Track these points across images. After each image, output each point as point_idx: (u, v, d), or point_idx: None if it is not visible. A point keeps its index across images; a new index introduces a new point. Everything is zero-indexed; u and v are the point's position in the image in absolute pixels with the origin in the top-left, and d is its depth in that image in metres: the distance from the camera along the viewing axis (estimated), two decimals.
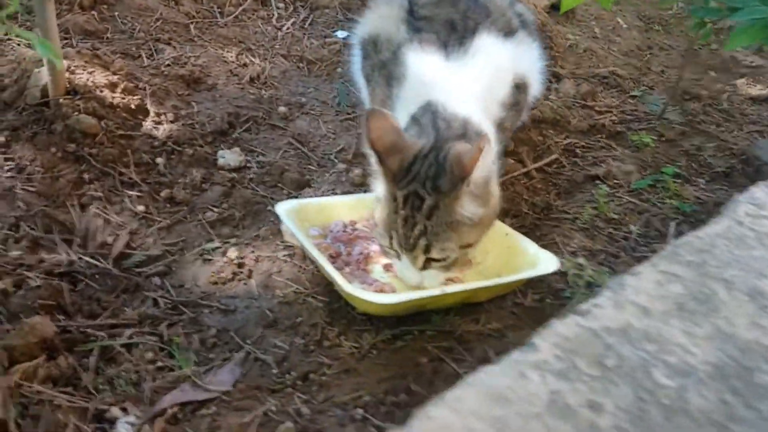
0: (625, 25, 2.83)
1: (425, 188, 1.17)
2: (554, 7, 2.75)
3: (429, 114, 1.29)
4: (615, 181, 1.71)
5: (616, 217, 1.56)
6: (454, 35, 1.42)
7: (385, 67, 1.48)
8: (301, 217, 1.40)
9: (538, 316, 1.25)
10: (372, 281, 1.27)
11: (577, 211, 1.59)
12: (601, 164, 1.79)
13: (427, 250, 1.18)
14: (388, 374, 1.13)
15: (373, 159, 1.21)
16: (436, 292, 1.15)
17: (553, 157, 1.83)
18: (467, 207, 1.16)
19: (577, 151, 1.88)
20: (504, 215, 1.60)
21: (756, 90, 2.42)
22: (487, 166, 1.14)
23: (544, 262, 1.26)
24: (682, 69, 2.00)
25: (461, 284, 1.21)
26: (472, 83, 1.36)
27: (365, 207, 1.49)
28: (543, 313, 1.26)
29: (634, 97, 2.18)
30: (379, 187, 1.25)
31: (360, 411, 1.05)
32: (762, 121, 2.11)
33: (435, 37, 1.42)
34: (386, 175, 1.19)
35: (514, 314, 1.26)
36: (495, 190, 1.26)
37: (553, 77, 2.18)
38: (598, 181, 1.72)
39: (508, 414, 0.61)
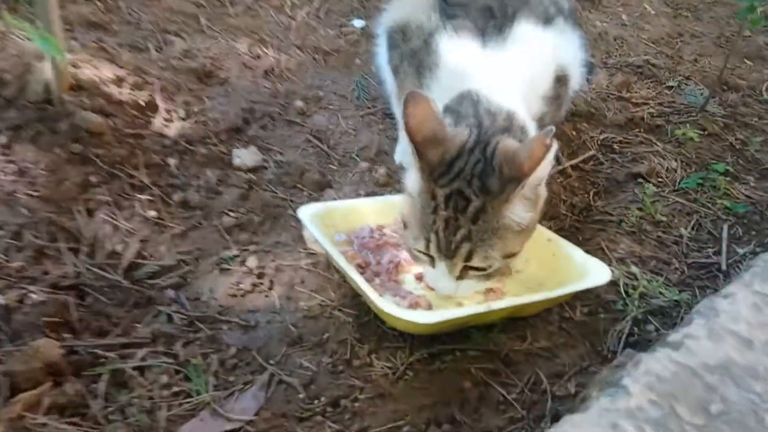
0: (653, 12, 2.70)
1: (471, 188, 1.05)
2: None
3: (469, 103, 1.17)
4: (659, 179, 1.60)
5: (664, 219, 1.45)
6: (491, 22, 1.31)
7: (416, 56, 1.36)
8: (326, 222, 1.30)
9: (590, 331, 1.14)
10: (405, 294, 1.16)
11: (622, 213, 1.47)
12: (642, 161, 1.67)
13: (468, 257, 1.06)
14: (429, 401, 1.02)
15: (410, 149, 1.08)
16: (481, 308, 1.04)
17: (590, 153, 1.72)
18: (518, 211, 1.04)
19: (615, 146, 1.76)
20: (542, 217, 1.49)
21: None
22: (547, 168, 1.02)
23: (594, 272, 1.15)
24: (726, 59, 1.87)
25: (508, 299, 1.09)
26: (513, 74, 1.24)
27: (393, 210, 1.37)
28: (595, 328, 1.15)
29: (670, 87, 2.06)
30: (412, 180, 1.12)
31: None
32: None
33: (471, 24, 1.31)
34: (424, 170, 1.07)
35: (563, 330, 1.14)
36: (543, 191, 1.14)
37: (589, 67, 2.06)
38: (640, 180, 1.60)
39: None
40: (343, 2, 2.30)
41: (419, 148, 1.06)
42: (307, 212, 1.27)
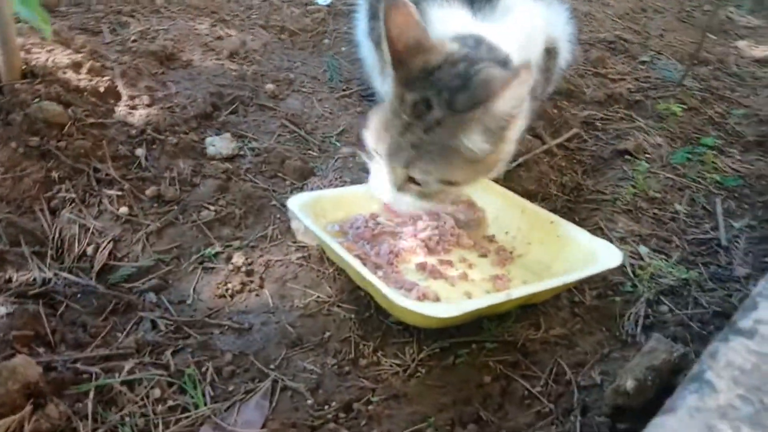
0: None
1: (439, 99, 1.03)
2: None
3: (473, 38, 1.13)
4: (646, 155, 1.57)
5: (658, 195, 1.42)
6: None
7: None
8: (317, 212, 1.21)
9: (604, 316, 1.10)
10: (411, 285, 1.09)
11: (614, 191, 1.44)
12: (627, 137, 1.65)
13: (408, 165, 1.05)
14: (448, 399, 0.95)
15: (389, 58, 1.05)
16: (501, 297, 0.98)
17: (573, 131, 1.68)
18: (474, 138, 1.02)
19: (597, 123, 1.73)
20: (533, 198, 1.44)
21: (759, 52, 2.32)
22: (516, 100, 0.99)
23: (604, 254, 1.11)
24: (702, 35, 1.87)
25: (527, 286, 1.03)
26: (506, 40, 1.19)
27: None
28: (608, 312, 1.11)
29: (643, 62, 2.04)
30: (387, 89, 1.11)
31: None
32: None
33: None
34: (401, 79, 1.05)
35: (576, 315, 1.10)
36: (511, 139, 1.10)
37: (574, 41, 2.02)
38: (627, 156, 1.57)
39: None
40: None
41: (401, 57, 1.04)
42: (296, 203, 1.18)
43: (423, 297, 1.07)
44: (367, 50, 1.49)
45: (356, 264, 1.03)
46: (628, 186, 1.44)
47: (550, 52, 1.37)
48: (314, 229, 1.11)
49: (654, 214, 1.37)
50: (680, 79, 1.86)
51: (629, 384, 0.84)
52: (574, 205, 1.44)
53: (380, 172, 1.12)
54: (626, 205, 1.39)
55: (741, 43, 2.39)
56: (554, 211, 1.41)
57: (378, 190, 1.14)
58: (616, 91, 1.83)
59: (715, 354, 0.57)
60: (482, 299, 1.01)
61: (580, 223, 1.34)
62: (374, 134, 1.09)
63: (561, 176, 1.54)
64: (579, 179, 1.54)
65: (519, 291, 1.00)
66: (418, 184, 1.08)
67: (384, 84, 1.15)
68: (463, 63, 1.06)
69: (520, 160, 1.55)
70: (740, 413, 0.52)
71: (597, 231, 1.31)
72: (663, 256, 1.24)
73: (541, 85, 1.37)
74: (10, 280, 1.08)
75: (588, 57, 1.96)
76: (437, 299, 1.08)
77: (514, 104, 1.00)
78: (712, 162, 1.53)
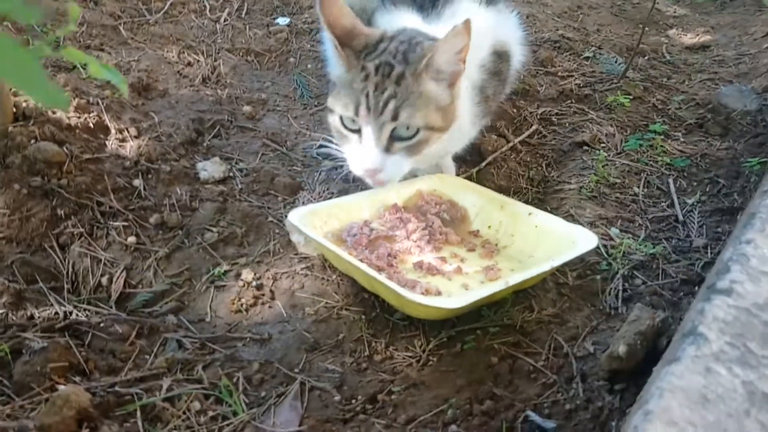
0: None
1: (396, 59, 1.23)
2: None
3: (412, 29, 1.33)
4: (602, 144, 1.72)
5: (617, 181, 1.56)
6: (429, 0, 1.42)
7: None
8: (314, 224, 1.30)
9: (587, 293, 1.23)
10: (414, 283, 1.19)
11: (578, 180, 1.58)
12: (582, 130, 1.79)
13: (395, 116, 1.22)
14: (463, 381, 1.06)
15: (333, 44, 1.26)
16: (500, 284, 1.09)
17: (533, 128, 1.82)
18: (432, 86, 1.24)
19: (553, 119, 1.87)
20: (506, 192, 1.57)
21: (687, 39, 2.52)
22: (450, 53, 1.21)
23: (582, 239, 1.23)
24: (642, 29, 2.04)
25: (523, 272, 1.15)
26: None
27: (374, 204, 1.40)
28: (591, 290, 1.23)
29: (587, 58, 2.20)
30: (337, 70, 1.30)
31: (453, 428, 0.98)
32: (707, 69, 2.20)
33: (410, 1, 1.43)
34: (351, 54, 1.25)
35: (563, 296, 1.22)
36: (462, 96, 1.32)
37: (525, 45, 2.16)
38: (585, 147, 1.72)
39: (720, 417, 0.57)
40: (263, 1, 2.27)
41: (341, 41, 1.25)
42: (296, 217, 1.26)
43: (426, 292, 1.17)
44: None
45: (366, 268, 1.13)
46: (590, 174, 1.58)
47: (502, 56, 1.50)
48: (321, 240, 1.20)
49: (616, 198, 1.52)
50: (623, 72, 2.02)
51: (621, 349, 0.96)
52: (544, 197, 1.57)
53: (357, 147, 1.27)
54: (591, 192, 1.52)
55: (671, 32, 2.60)
56: (527, 203, 1.54)
57: (359, 164, 1.28)
58: (567, 87, 1.98)
59: (703, 311, 0.69)
60: (485, 288, 1.11)
61: (553, 212, 1.47)
62: (348, 106, 1.25)
63: (528, 170, 1.67)
64: (544, 172, 1.67)
65: (515, 278, 1.11)
66: (401, 139, 1.25)
67: (332, 66, 1.34)
68: (403, 35, 1.28)
69: (490, 158, 1.68)
70: (729, 356, 0.64)
71: (569, 218, 1.43)
72: (630, 235, 1.38)
73: (494, 86, 1.48)
74: (32, 317, 1.13)
75: (537, 57, 2.10)
76: (439, 293, 1.18)
77: (449, 57, 1.21)
78: (661, 146, 1.68)
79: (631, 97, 1.92)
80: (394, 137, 1.25)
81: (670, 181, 1.57)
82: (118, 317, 1.16)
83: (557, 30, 2.37)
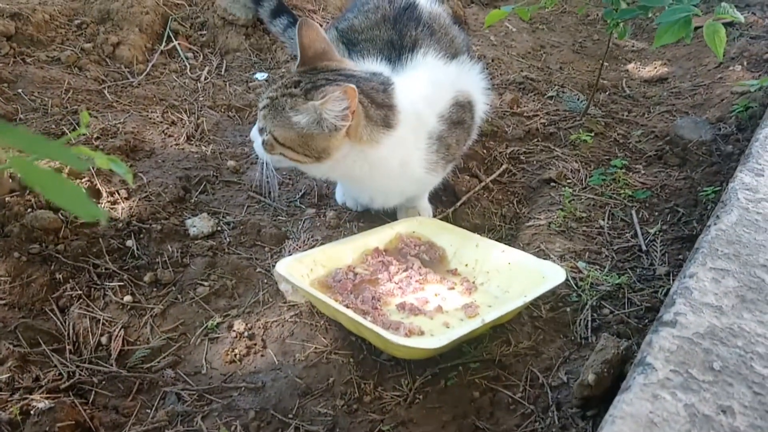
0: (514, 29, 3.01)
1: (305, 84, 1.36)
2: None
3: (380, 74, 1.45)
4: (568, 180, 1.82)
5: (584, 215, 1.67)
6: (393, 52, 1.52)
7: None
8: (300, 272, 1.38)
9: (560, 325, 1.32)
10: (398, 324, 1.27)
11: (547, 216, 1.68)
12: (549, 167, 1.90)
13: (263, 114, 1.38)
14: (448, 416, 1.13)
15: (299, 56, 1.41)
16: (476, 323, 1.18)
17: (503, 167, 1.92)
18: (299, 117, 1.33)
19: (522, 157, 1.98)
20: (480, 230, 1.66)
21: (646, 72, 2.66)
22: (333, 111, 1.29)
23: (551, 274, 1.32)
24: (600, 67, 2.17)
25: (496, 310, 1.23)
26: (409, 89, 1.44)
27: (357, 250, 1.48)
28: (563, 321, 1.32)
29: (551, 97, 2.33)
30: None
31: None
32: (665, 101, 2.34)
33: (377, 53, 1.53)
34: (298, 68, 1.42)
35: (538, 328, 1.31)
36: (330, 146, 1.37)
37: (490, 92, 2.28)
38: (553, 183, 1.82)
39: None
40: (240, 58, 2.37)
41: (306, 60, 1.41)
42: (283, 267, 1.34)
43: (410, 333, 1.25)
44: None
45: (351, 313, 1.20)
46: (558, 210, 1.68)
47: (465, 106, 1.58)
48: (307, 288, 1.28)
49: (583, 231, 1.62)
50: (584, 110, 2.14)
51: (590, 378, 1.05)
52: (516, 232, 1.67)
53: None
54: (559, 227, 1.62)
55: (630, 66, 2.74)
56: (500, 239, 1.63)
57: (253, 134, 1.46)
58: (533, 126, 2.10)
59: (651, 342, 0.77)
60: (463, 327, 1.20)
61: (524, 248, 1.57)
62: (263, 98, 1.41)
63: (500, 208, 1.77)
64: (516, 209, 1.77)
65: (491, 315, 1.20)
66: (264, 135, 1.39)
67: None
68: (338, 73, 1.38)
69: (464, 198, 1.78)
70: (673, 383, 0.72)
71: (540, 252, 1.53)
72: (597, 267, 1.48)
73: (456, 135, 1.56)
74: (38, 379, 1.19)
75: (504, 99, 2.22)
76: (421, 333, 1.26)
77: (331, 113, 1.30)
78: (623, 179, 1.79)
79: (593, 133, 2.04)
80: (262, 129, 1.41)
81: (633, 212, 1.67)
82: (119, 374, 1.22)
83: (522, 71, 2.50)
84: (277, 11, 2.19)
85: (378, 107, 1.37)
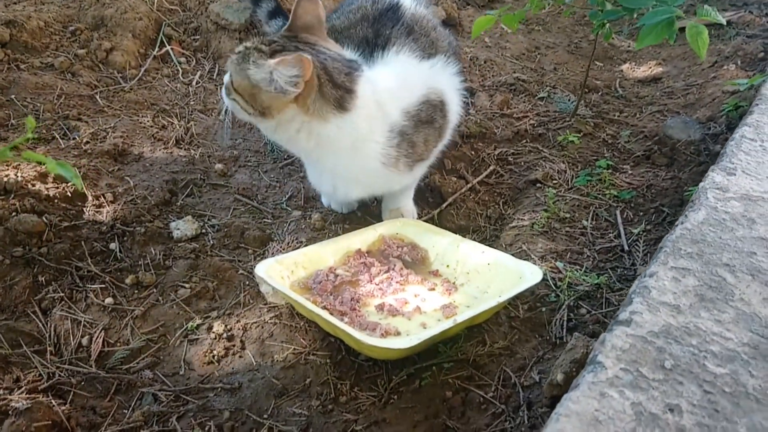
0: (509, 30, 3.00)
1: (275, 43, 1.40)
2: (445, 23, 2.88)
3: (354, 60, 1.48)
4: (553, 181, 1.82)
5: (567, 216, 1.66)
6: (366, 48, 1.53)
7: None
8: (281, 274, 1.39)
9: (536, 324, 1.32)
10: (375, 325, 1.28)
11: (532, 217, 1.68)
12: (536, 168, 1.90)
13: (232, 62, 1.41)
14: (420, 416, 1.14)
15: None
16: (448, 323, 1.18)
17: (491, 168, 1.92)
18: (257, 74, 1.35)
19: (510, 158, 1.98)
20: (465, 231, 1.67)
21: (640, 72, 2.66)
22: (285, 74, 1.32)
23: (529, 274, 1.33)
24: (588, 68, 2.16)
25: (468, 311, 1.24)
26: (374, 80, 1.45)
27: (339, 251, 1.49)
28: (539, 321, 1.32)
29: (542, 98, 2.33)
30: None
31: None
32: (657, 101, 2.33)
33: (351, 49, 1.53)
34: (286, 28, 1.46)
35: (513, 328, 1.31)
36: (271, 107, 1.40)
37: (468, 92, 2.28)
38: (539, 184, 1.82)
39: None
40: None
41: (293, 28, 1.44)
42: (263, 269, 1.35)
43: (386, 333, 1.26)
44: None
45: (326, 315, 1.21)
46: (542, 211, 1.68)
47: (436, 105, 1.56)
48: (284, 290, 1.29)
49: (566, 232, 1.61)
50: (573, 110, 2.14)
51: (559, 377, 1.05)
52: (500, 233, 1.67)
53: None
54: (542, 227, 1.62)
55: (624, 66, 2.74)
56: (484, 240, 1.64)
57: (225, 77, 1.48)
58: (522, 128, 2.10)
59: (603, 341, 0.78)
60: (434, 328, 1.20)
61: (507, 248, 1.57)
62: None
63: (486, 209, 1.77)
64: (501, 210, 1.77)
65: (462, 315, 1.20)
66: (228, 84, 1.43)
67: None
68: (313, 48, 1.42)
69: (450, 200, 1.78)
70: (623, 381, 0.72)
71: (522, 253, 1.53)
72: (578, 267, 1.48)
73: (425, 134, 1.54)
74: (18, 380, 1.21)
75: (494, 101, 2.22)
76: (398, 333, 1.27)
77: (282, 75, 1.32)
78: (609, 180, 1.79)
79: (581, 134, 2.04)
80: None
81: (617, 212, 1.67)
82: (98, 375, 1.24)
83: (514, 73, 2.50)
84: (274, 13, 2.21)
85: (335, 87, 1.38)
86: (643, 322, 0.80)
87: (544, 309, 1.34)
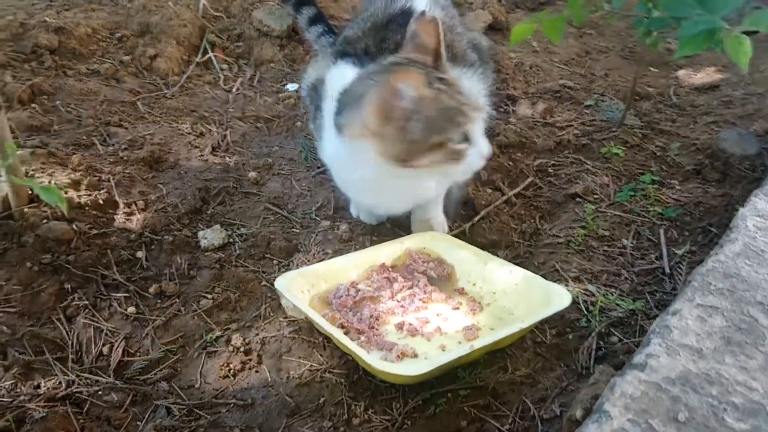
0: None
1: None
2: (492, 27, 2.81)
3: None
4: (594, 196, 1.74)
5: (606, 233, 1.58)
6: (368, 58, 1.47)
7: (317, 98, 1.52)
8: (302, 287, 1.36)
9: (563, 352, 1.25)
10: (391, 346, 1.24)
11: (568, 234, 1.60)
12: (577, 181, 1.82)
13: None
14: None
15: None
16: (465, 349, 1.13)
17: (529, 180, 1.85)
18: None
19: (550, 170, 1.90)
20: (497, 247, 1.61)
21: (698, 79, 2.51)
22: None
23: (557, 297, 1.26)
24: (636, 75, 2.06)
25: (487, 337, 1.19)
26: None
27: (362, 265, 1.46)
28: (566, 348, 1.25)
29: (588, 107, 2.23)
30: None
31: None
32: (713, 111, 2.19)
33: (353, 58, 1.48)
34: None
35: (539, 355, 1.24)
36: None
37: (509, 100, 2.21)
38: (578, 199, 1.74)
39: None
40: (274, 69, 2.39)
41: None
42: (283, 283, 1.33)
43: (402, 355, 1.22)
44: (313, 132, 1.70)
45: (339, 335, 1.18)
46: (579, 227, 1.60)
47: None
48: (301, 306, 1.27)
49: (604, 251, 1.53)
50: (620, 120, 2.04)
51: (579, 413, 0.98)
52: (534, 250, 1.60)
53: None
54: (578, 245, 1.54)
55: (681, 73, 2.59)
56: (516, 257, 1.57)
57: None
58: (564, 138, 2.01)
59: (613, 387, 0.71)
60: (447, 354, 1.15)
61: (539, 267, 1.50)
62: None
63: (521, 224, 1.70)
64: (537, 225, 1.70)
65: (480, 342, 1.15)
66: None
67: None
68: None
69: (483, 213, 1.72)
70: None
71: (554, 272, 1.46)
72: (613, 290, 1.39)
73: None
74: (39, 386, 1.22)
75: (536, 109, 2.14)
76: (415, 355, 1.22)
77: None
78: (654, 195, 1.69)
79: (628, 145, 1.94)
80: None
81: (661, 231, 1.57)
82: (115, 386, 1.24)
83: (561, 79, 2.41)
84: (314, 19, 2.20)
85: None
86: (659, 366, 0.73)
87: (572, 335, 1.27)
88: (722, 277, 0.88)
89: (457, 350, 1.15)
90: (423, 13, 1.38)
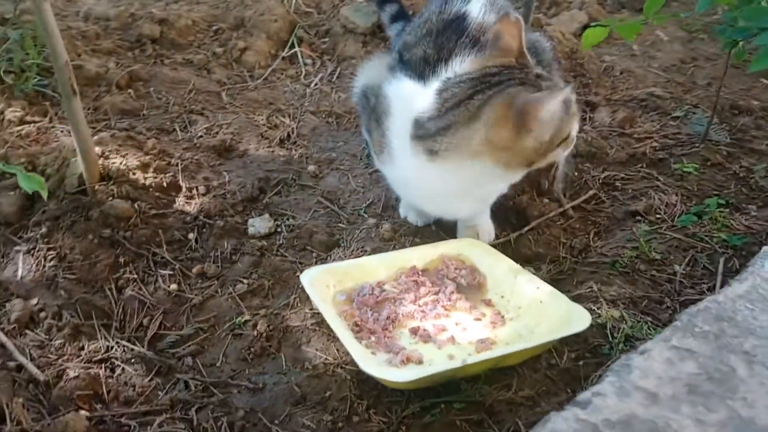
0: (666, 38, 2.72)
1: None
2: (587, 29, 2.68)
3: None
4: (657, 215, 1.62)
5: (658, 257, 1.48)
6: (427, 67, 1.45)
7: (374, 112, 1.52)
8: (327, 283, 1.40)
9: (573, 378, 1.19)
10: (399, 349, 1.24)
11: (617, 253, 1.51)
12: (642, 197, 1.71)
13: None
14: None
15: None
16: (456, 363, 1.12)
17: (591, 192, 1.76)
18: None
19: (617, 184, 1.80)
20: (541, 261, 1.55)
21: None
22: None
23: (576, 319, 1.20)
24: (721, 80, 1.89)
25: (483, 353, 1.16)
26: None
27: (393, 266, 1.47)
28: (578, 374, 1.20)
29: (676, 118, 2.07)
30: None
31: None
32: None
33: (412, 71, 1.47)
34: None
35: (548, 378, 1.20)
36: None
37: (587, 106, 2.11)
38: (639, 217, 1.64)
39: None
40: (354, 65, 2.44)
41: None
42: (307, 277, 1.37)
43: (407, 360, 1.22)
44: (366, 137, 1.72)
45: (338, 330, 1.21)
46: (630, 248, 1.50)
47: None
48: (315, 298, 1.31)
49: (651, 276, 1.43)
50: (704, 135, 1.88)
51: None
52: (578, 267, 1.53)
53: None
54: (624, 267, 1.46)
55: None
56: (559, 273, 1.51)
57: None
58: (640, 150, 1.89)
59: (547, 422, 0.68)
60: (436, 366, 1.14)
61: (576, 286, 1.44)
62: None
63: (572, 238, 1.63)
64: (589, 241, 1.62)
65: (474, 358, 1.13)
66: None
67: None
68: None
69: (533, 223, 1.66)
70: None
71: (590, 294, 1.39)
72: (649, 318, 1.30)
73: None
74: (82, 348, 1.36)
75: (615, 117, 2.03)
76: (420, 362, 1.22)
77: None
78: (722, 220, 1.55)
79: (708, 163, 1.79)
80: None
81: (721, 260, 1.44)
82: (146, 356, 1.35)
83: (653, 86, 2.26)
84: (396, 16, 2.22)
85: None
86: (603, 406, 0.68)
87: (589, 362, 1.21)
88: (712, 320, 0.80)
89: (444, 364, 1.14)
90: (507, 14, 1.38)
